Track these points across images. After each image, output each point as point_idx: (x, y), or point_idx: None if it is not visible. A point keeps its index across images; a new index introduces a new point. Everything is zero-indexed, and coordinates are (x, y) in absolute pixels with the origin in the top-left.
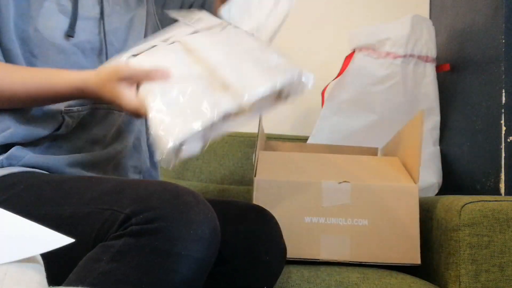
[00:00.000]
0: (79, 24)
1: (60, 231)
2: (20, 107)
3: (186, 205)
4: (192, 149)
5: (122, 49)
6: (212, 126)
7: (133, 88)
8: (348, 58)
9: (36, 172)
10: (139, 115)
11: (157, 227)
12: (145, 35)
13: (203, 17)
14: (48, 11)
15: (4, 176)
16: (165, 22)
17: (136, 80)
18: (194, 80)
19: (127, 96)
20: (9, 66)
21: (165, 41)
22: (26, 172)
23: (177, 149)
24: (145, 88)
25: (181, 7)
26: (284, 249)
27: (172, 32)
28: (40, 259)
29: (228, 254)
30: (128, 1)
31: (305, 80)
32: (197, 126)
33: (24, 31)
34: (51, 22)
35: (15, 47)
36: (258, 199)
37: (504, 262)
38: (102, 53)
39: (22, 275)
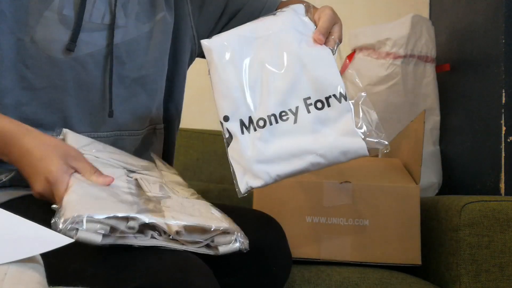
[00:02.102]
0: (82, 37)
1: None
2: None
3: None
4: (93, 237)
5: (135, 63)
6: (125, 227)
7: (70, 171)
8: (349, 58)
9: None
10: (49, 193)
11: None
12: (176, 45)
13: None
14: (48, 22)
15: (4, 203)
16: (203, 28)
17: (77, 169)
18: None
19: (61, 171)
20: None
21: (126, 168)
22: (27, 198)
23: (76, 225)
24: (76, 178)
25: (223, 13)
26: (290, 258)
27: (138, 162)
28: (40, 259)
29: (236, 266)
30: (153, 7)
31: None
32: (109, 212)
33: (20, 39)
34: (50, 34)
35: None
36: (259, 199)
37: (504, 262)
38: (107, 69)
39: (22, 275)
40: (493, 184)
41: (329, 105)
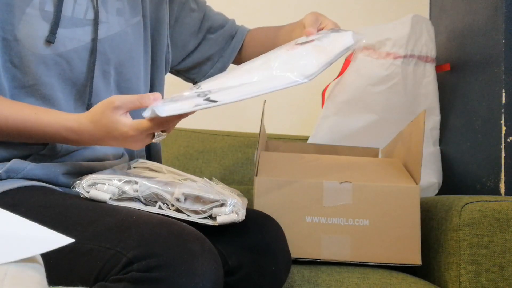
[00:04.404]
0: (65, 33)
1: (60, 266)
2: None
3: (191, 254)
4: (101, 195)
5: (118, 59)
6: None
7: (128, 115)
8: (349, 58)
9: (36, 186)
10: (138, 135)
11: (158, 277)
12: (155, 50)
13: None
14: (30, 18)
15: (2, 193)
16: (177, 38)
17: (130, 106)
18: None
19: (126, 121)
20: None
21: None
22: (26, 188)
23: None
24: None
25: (199, 30)
26: (289, 258)
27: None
28: (40, 259)
29: (235, 265)
30: (132, 7)
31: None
32: (113, 177)
33: (4, 39)
34: (33, 31)
35: None
36: (259, 198)
37: (504, 262)
38: (90, 64)
39: (22, 275)
40: (493, 184)
41: (198, 96)
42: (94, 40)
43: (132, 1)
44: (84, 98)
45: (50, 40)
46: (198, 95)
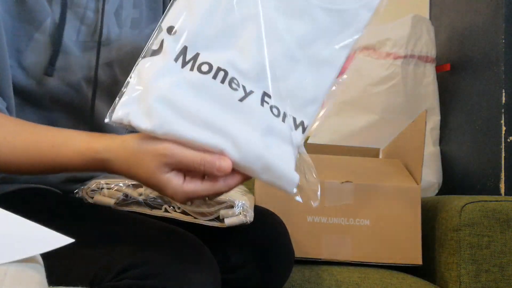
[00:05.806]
0: (76, 59)
1: (56, 270)
2: (21, 174)
3: (188, 263)
4: (106, 200)
5: (126, 79)
6: None
7: (181, 175)
8: (349, 58)
9: (35, 189)
10: (187, 200)
11: (152, 285)
12: None
13: None
14: (38, 45)
15: (2, 195)
16: None
17: (182, 168)
18: None
19: (176, 182)
20: (13, 122)
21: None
22: (24, 190)
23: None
24: None
25: None
26: (292, 255)
27: None
28: (40, 259)
29: (238, 262)
30: (152, 10)
31: None
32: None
33: (10, 65)
34: (39, 57)
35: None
36: (260, 198)
37: (504, 262)
38: (98, 89)
39: (22, 275)
40: (493, 184)
41: (283, 121)
42: (104, 64)
43: (152, 3)
44: (86, 119)
45: (47, 73)
46: (283, 120)
